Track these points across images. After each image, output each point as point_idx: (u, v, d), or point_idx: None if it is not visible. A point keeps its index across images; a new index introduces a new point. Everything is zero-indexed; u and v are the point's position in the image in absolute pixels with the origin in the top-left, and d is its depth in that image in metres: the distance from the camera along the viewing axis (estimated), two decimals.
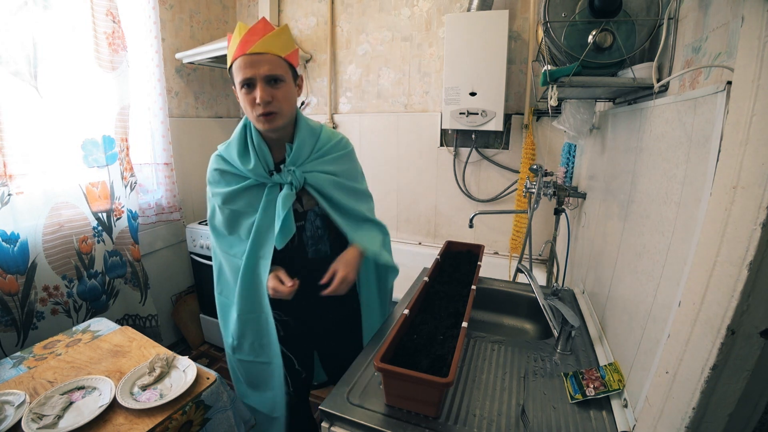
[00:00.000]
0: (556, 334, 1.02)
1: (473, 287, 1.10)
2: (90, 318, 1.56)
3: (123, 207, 1.88)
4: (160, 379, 1.05)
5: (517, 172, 2.03)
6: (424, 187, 2.29)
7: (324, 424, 0.82)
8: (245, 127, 1.09)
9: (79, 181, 1.73)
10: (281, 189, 1.07)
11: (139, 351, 1.20)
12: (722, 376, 0.47)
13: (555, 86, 0.92)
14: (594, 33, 0.91)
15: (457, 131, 2.08)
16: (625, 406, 0.77)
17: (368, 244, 1.14)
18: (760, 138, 0.43)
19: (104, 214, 1.83)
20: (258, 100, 0.96)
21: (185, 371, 1.07)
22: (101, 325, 1.39)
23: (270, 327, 1.11)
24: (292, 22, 2.44)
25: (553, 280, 1.65)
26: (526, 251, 1.51)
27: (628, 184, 0.95)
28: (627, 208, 0.94)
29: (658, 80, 0.80)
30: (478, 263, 1.29)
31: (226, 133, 2.61)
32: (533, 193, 1.38)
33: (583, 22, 0.92)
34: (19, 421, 0.88)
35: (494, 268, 2.02)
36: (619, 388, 0.81)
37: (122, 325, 1.38)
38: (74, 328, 1.37)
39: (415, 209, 2.35)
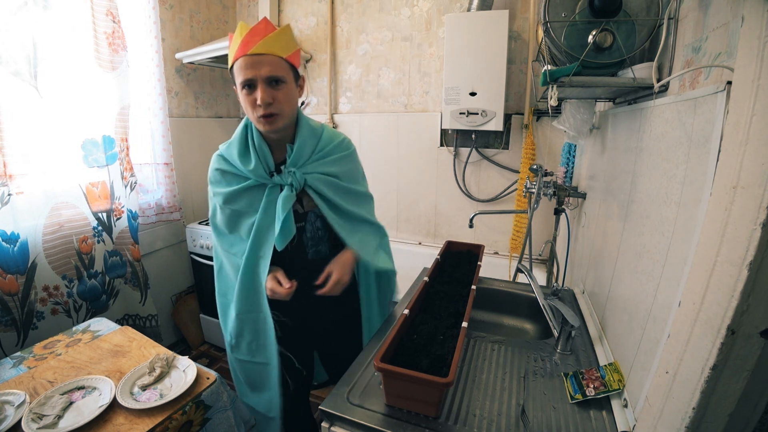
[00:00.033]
0: (556, 334, 1.02)
1: (473, 287, 1.10)
2: (90, 318, 1.56)
3: (123, 207, 1.88)
4: (160, 379, 1.05)
5: (517, 172, 2.03)
6: (424, 187, 2.29)
7: (324, 424, 0.82)
8: (246, 127, 1.09)
9: (79, 181, 1.73)
10: (282, 190, 1.07)
11: (139, 351, 1.20)
12: (722, 376, 0.47)
13: (555, 86, 0.92)
14: (594, 33, 0.91)
15: (457, 131, 2.08)
16: (625, 406, 0.77)
17: (362, 250, 1.15)
18: (760, 138, 0.43)
19: (104, 214, 1.83)
20: (259, 102, 0.96)
21: (185, 371, 1.07)
22: (101, 325, 1.39)
23: (268, 327, 1.11)
24: (292, 22, 2.44)
25: (553, 280, 1.65)
26: (526, 251, 1.51)
27: (628, 184, 0.95)
28: (627, 208, 0.94)
29: (658, 80, 0.80)
30: (478, 263, 1.29)
31: (226, 133, 2.61)
32: (533, 193, 1.38)
33: (583, 22, 0.92)
34: (19, 421, 0.88)
35: (494, 268, 2.02)
36: (619, 388, 0.81)
37: (122, 325, 1.38)
38: (74, 328, 1.37)
39: (415, 209, 2.35)
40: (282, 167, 1.08)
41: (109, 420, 0.91)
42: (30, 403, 0.94)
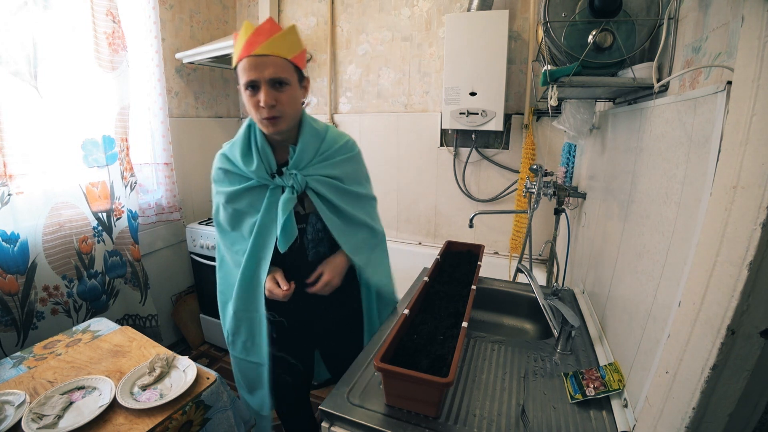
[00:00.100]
0: (556, 334, 1.02)
1: (473, 287, 1.10)
2: (90, 318, 1.56)
3: (123, 207, 1.88)
4: (160, 379, 1.05)
5: (517, 172, 2.03)
6: (424, 187, 2.29)
7: (324, 424, 0.82)
8: (249, 127, 1.09)
9: (79, 181, 1.73)
10: (283, 191, 1.07)
11: (139, 351, 1.20)
12: (722, 376, 0.47)
13: (555, 86, 0.92)
14: (594, 33, 0.91)
15: (457, 131, 2.08)
16: (625, 406, 0.77)
17: (355, 255, 1.15)
18: (760, 138, 0.43)
19: (104, 214, 1.83)
20: (261, 104, 0.96)
21: (185, 371, 1.07)
22: (101, 325, 1.39)
23: (263, 328, 1.12)
24: (292, 21, 2.44)
25: (553, 280, 1.65)
26: (526, 251, 1.51)
27: (628, 184, 0.95)
28: (627, 208, 0.94)
29: (658, 80, 0.80)
30: (478, 263, 1.29)
31: (226, 133, 2.61)
32: (533, 193, 1.38)
33: (583, 22, 0.92)
34: (19, 421, 0.89)
35: (494, 268, 2.02)
36: (619, 388, 0.81)
37: (122, 325, 1.38)
38: (74, 328, 1.37)
39: (415, 209, 2.35)
40: (284, 169, 1.08)
41: (109, 420, 0.91)
42: (30, 403, 0.94)
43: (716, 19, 0.64)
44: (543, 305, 1.07)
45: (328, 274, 1.09)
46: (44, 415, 0.91)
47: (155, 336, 1.99)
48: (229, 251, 1.17)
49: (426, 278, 1.16)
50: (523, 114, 1.97)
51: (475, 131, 2.00)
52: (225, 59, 2.21)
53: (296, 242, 1.10)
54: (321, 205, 1.10)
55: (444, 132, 2.16)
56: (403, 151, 2.29)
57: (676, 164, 0.69)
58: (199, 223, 2.30)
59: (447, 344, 0.89)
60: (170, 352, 1.15)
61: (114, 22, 1.73)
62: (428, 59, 2.15)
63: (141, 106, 2.01)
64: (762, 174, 0.42)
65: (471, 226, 1.66)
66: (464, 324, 0.90)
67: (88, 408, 0.94)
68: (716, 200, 0.50)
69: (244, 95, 1.00)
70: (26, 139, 1.55)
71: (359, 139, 2.39)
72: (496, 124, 1.89)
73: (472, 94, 1.89)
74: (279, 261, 1.11)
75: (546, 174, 1.39)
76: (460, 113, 1.92)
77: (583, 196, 1.43)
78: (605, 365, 0.89)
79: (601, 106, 1.38)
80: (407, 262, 1.82)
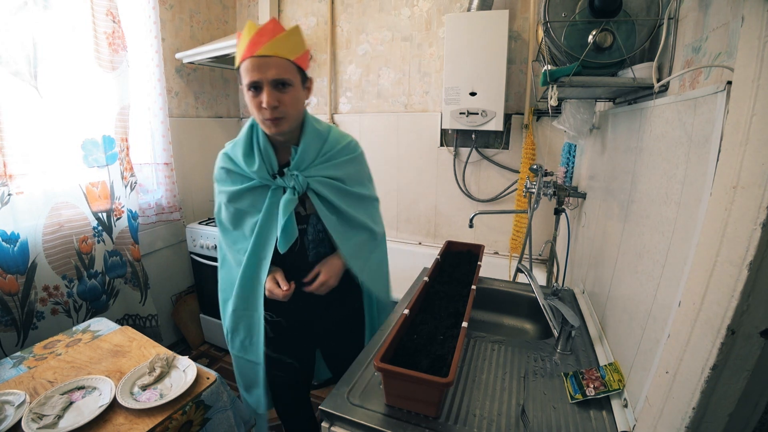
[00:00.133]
0: (556, 334, 1.02)
1: (473, 287, 1.10)
2: (90, 318, 1.56)
3: (123, 207, 1.88)
4: (160, 379, 1.05)
5: (517, 172, 2.03)
6: (424, 187, 2.29)
7: (324, 424, 0.82)
8: (252, 127, 1.08)
9: (79, 181, 1.73)
10: (285, 192, 1.07)
11: (139, 351, 1.20)
12: (722, 376, 0.47)
13: (555, 86, 0.92)
14: (594, 33, 0.91)
15: (457, 131, 2.08)
16: (625, 406, 0.77)
17: (351, 259, 1.15)
18: (760, 138, 0.43)
19: (104, 214, 1.83)
20: (264, 105, 0.95)
21: (185, 371, 1.07)
22: (101, 325, 1.39)
23: (262, 327, 1.12)
24: (293, 21, 2.44)
25: (553, 280, 1.65)
26: (526, 251, 1.51)
27: (628, 184, 0.95)
28: (627, 208, 0.94)
29: (658, 80, 0.80)
30: (478, 263, 1.29)
31: (226, 132, 2.61)
32: (533, 193, 1.38)
33: (583, 22, 0.92)
34: (19, 421, 0.89)
35: (494, 268, 2.02)
36: (619, 388, 0.81)
37: (122, 325, 1.38)
38: (74, 328, 1.37)
39: (415, 209, 2.35)
40: (285, 169, 1.08)
41: (109, 420, 0.91)
42: (30, 403, 0.94)
43: (716, 19, 0.64)
44: (543, 305, 1.07)
45: (324, 275, 1.09)
46: (44, 415, 0.91)
47: (155, 336, 1.99)
48: (230, 250, 1.17)
49: (426, 278, 1.16)
50: (523, 114, 1.97)
51: (475, 131, 2.00)
52: (225, 59, 2.21)
53: (297, 243, 1.10)
54: (321, 207, 1.09)
55: (444, 132, 2.16)
56: (403, 151, 2.29)
57: (676, 164, 0.69)
58: (199, 223, 2.29)
59: (447, 344, 0.89)
60: (170, 352, 1.15)
61: (114, 22, 1.73)
62: (428, 59, 2.15)
63: (141, 106, 2.01)
64: (762, 174, 0.42)
65: (471, 226, 1.66)
66: (464, 324, 0.90)
67: (88, 408, 0.94)
68: (716, 200, 0.50)
69: (247, 96, 0.99)
70: (26, 139, 1.55)
71: (359, 139, 2.37)
72: (496, 124, 1.89)
73: (472, 94, 1.89)
74: (280, 261, 1.11)
75: (546, 174, 1.39)
76: (460, 113, 1.93)
77: (583, 196, 1.43)
78: (605, 365, 0.89)
79: (601, 106, 1.38)
80: (407, 262, 1.82)
